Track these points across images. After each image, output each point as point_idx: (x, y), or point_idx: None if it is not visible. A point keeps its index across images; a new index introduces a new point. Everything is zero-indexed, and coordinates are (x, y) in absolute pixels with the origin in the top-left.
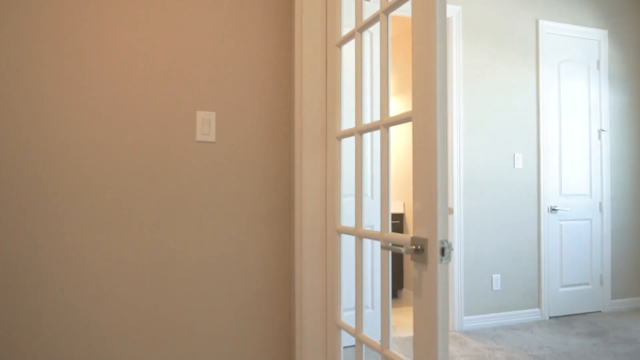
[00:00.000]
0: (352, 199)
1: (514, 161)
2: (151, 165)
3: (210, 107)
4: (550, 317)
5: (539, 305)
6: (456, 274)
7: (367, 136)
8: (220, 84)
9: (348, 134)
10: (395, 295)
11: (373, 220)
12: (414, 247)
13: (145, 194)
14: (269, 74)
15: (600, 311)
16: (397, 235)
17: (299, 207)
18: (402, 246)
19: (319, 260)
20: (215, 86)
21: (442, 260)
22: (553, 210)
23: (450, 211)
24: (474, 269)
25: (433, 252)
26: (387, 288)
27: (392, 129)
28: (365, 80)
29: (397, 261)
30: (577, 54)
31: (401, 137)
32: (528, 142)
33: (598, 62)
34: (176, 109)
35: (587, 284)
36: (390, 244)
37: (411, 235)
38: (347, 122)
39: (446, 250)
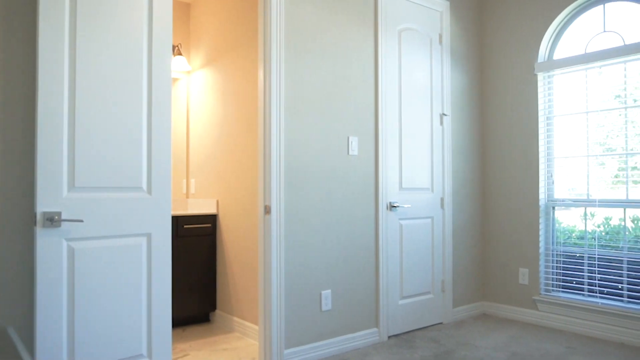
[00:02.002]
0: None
1: (349, 146)
2: None
3: None
4: (389, 337)
5: (376, 325)
6: (274, 294)
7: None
8: None
9: None
10: (206, 319)
11: (151, 227)
12: None
13: None
14: None
15: (441, 322)
16: None
17: None
18: None
19: None
20: None
21: None
22: (393, 207)
23: (268, 210)
24: (298, 285)
25: None
26: None
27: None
28: None
29: (209, 276)
30: (419, 23)
31: (227, 118)
32: (365, 124)
33: (440, 36)
34: None
35: (428, 292)
36: None
37: None
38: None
39: None
